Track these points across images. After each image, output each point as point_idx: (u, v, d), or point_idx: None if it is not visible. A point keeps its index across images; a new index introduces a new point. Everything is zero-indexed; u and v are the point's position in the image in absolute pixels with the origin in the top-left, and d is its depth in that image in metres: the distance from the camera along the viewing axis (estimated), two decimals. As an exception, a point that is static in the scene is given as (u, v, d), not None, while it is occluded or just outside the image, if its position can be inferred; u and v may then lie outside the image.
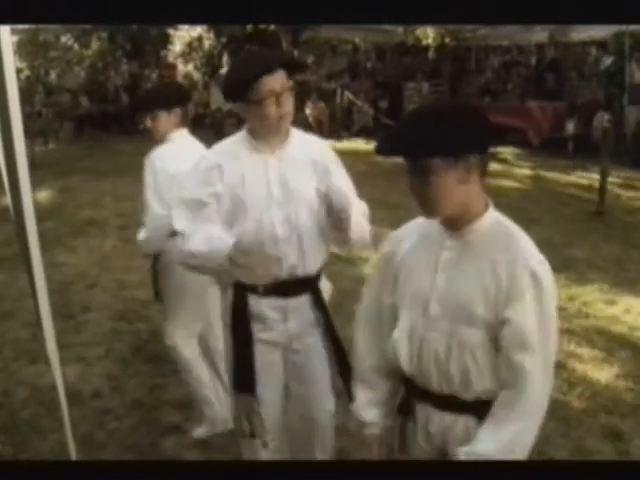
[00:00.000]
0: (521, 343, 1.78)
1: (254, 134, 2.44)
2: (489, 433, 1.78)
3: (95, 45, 16.08)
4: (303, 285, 2.50)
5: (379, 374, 2.02)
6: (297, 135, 2.52)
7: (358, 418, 2.05)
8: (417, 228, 1.97)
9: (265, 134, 2.39)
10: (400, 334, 1.89)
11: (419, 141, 1.69)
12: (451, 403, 1.86)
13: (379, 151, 1.74)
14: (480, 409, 1.82)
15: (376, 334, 2.01)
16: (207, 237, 2.31)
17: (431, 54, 14.87)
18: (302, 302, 2.52)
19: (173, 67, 16.09)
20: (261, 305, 2.46)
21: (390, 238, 2.02)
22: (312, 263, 2.47)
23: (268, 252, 2.22)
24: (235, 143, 2.53)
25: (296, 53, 15.40)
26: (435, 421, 1.90)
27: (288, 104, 2.33)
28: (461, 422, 1.87)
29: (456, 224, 1.83)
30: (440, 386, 1.85)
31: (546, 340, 1.88)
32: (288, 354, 2.58)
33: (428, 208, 1.82)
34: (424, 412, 1.92)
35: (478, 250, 1.82)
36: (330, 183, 2.37)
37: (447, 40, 14.40)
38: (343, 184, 2.50)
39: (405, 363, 1.89)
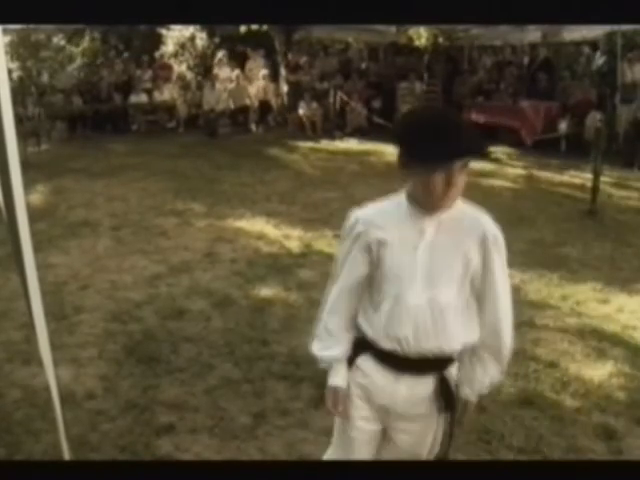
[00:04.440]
0: (496, 294, 2.22)
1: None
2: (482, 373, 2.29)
3: (88, 45, 16.02)
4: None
5: (344, 328, 2.33)
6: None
7: (321, 356, 2.35)
8: (383, 211, 2.25)
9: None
10: (387, 305, 2.19)
11: (467, 144, 2.02)
12: (412, 365, 2.21)
13: (454, 155, 1.99)
14: (440, 366, 2.23)
15: (348, 298, 2.30)
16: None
17: (424, 54, 14.88)
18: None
19: (169, 67, 16.06)
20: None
21: (359, 219, 2.25)
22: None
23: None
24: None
25: (289, 55, 15.42)
26: (387, 381, 2.25)
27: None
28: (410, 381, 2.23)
29: (440, 209, 2.12)
30: (409, 348, 2.18)
31: (507, 287, 2.28)
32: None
33: (445, 202, 2.09)
34: (372, 371, 2.28)
35: (452, 227, 2.15)
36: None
37: (440, 40, 14.41)
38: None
39: (388, 328, 2.19)
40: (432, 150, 1.97)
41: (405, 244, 2.16)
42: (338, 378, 2.32)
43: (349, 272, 2.27)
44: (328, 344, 2.32)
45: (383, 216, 2.22)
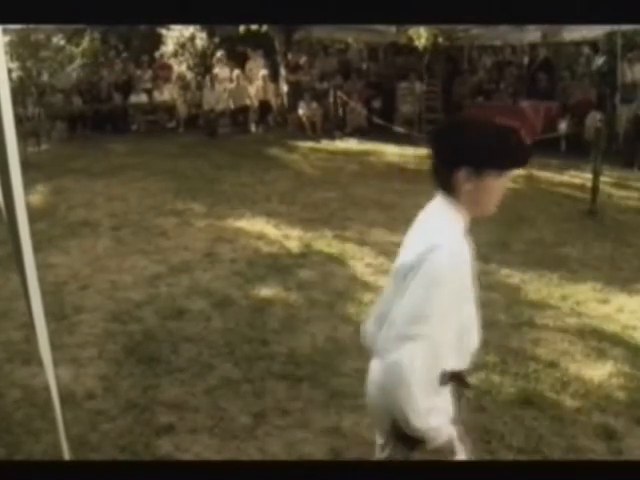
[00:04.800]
0: None
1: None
2: None
3: (87, 45, 16.01)
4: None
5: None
6: None
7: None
8: (459, 237, 2.07)
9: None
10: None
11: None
12: None
13: (522, 163, 2.10)
14: None
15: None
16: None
17: (424, 54, 14.86)
18: None
19: (169, 67, 16.06)
20: None
21: (458, 254, 2.03)
22: None
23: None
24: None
25: (289, 55, 15.41)
26: None
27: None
28: None
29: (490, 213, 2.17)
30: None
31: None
32: None
33: (496, 205, 2.12)
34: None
35: None
36: None
37: (440, 40, 14.39)
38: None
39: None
40: (509, 156, 2.04)
41: None
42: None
43: None
44: None
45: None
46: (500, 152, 2.03)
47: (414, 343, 1.94)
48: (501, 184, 2.06)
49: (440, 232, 2.03)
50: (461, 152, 2.02)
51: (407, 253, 2.07)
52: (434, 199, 2.13)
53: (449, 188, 2.04)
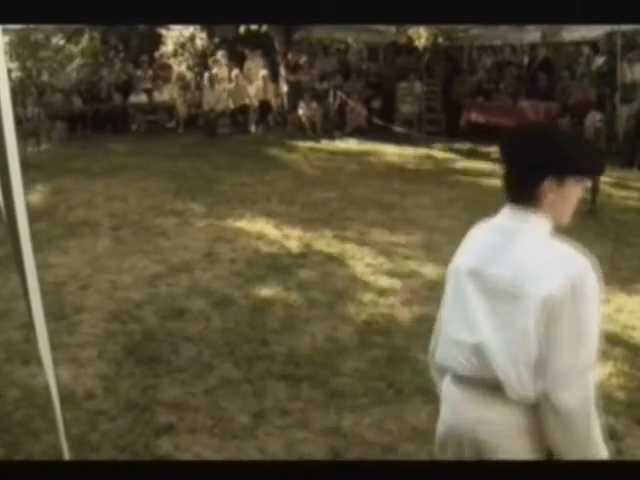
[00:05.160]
0: None
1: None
2: None
3: (87, 45, 16.01)
4: None
5: None
6: None
7: None
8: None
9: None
10: None
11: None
12: None
13: (601, 171, 2.21)
14: None
15: None
16: None
17: (424, 54, 14.86)
18: None
19: (169, 67, 16.06)
20: None
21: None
22: None
23: None
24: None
25: (289, 55, 15.41)
26: None
27: None
28: None
29: None
30: None
31: None
32: None
33: (572, 215, 2.10)
34: None
35: None
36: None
37: (440, 40, 14.39)
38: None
39: None
40: (591, 164, 2.04)
41: None
42: None
43: None
44: None
45: None
46: (583, 160, 1.99)
47: (592, 371, 1.90)
48: (579, 192, 2.05)
49: (564, 250, 2.00)
50: (547, 162, 1.95)
51: (537, 282, 1.90)
52: (506, 212, 2.05)
53: (530, 198, 1.97)
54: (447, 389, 2.11)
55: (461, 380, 2.04)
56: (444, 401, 2.13)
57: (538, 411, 1.93)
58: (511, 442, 1.98)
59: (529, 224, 1.99)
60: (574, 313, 1.87)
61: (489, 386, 1.96)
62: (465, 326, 2.02)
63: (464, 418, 2.03)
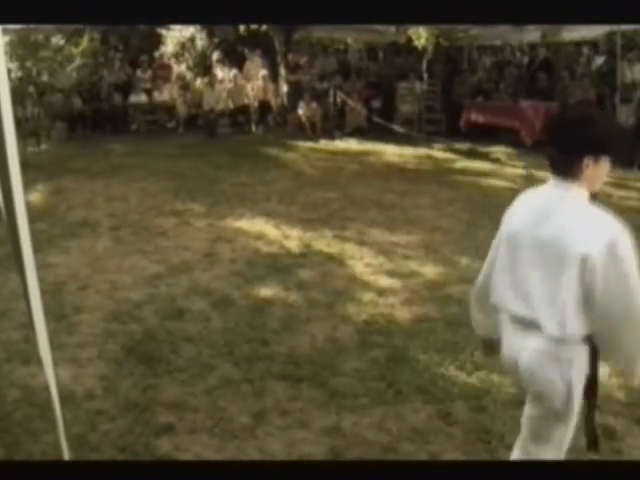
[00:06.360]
0: None
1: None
2: None
3: (87, 45, 16.01)
4: None
5: None
6: None
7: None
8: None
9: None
10: None
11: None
12: None
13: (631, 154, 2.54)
14: None
15: None
16: None
17: (424, 54, 14.86)
18: None
19: (168, 67, 16.07)
20: None
21: None
22: None
23: None
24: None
25: (289, 55, 15.41)
26: None
27: None
28: None
29: None
30: None
31: None
32: None
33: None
34: None
35: None
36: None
37: (440, 40, 14.40)
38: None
39: None
40: (622, 148, 2.59)
41: None
42: None
43: None
44: None
45: None
46: (616, 144, 2.43)
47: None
48: (608, 167, 2.45)
49: (600, 215, 2.35)
50: (587, 144, 2.36)
51: (579, 243, 2.28)
52: (551, 183, 2.45)
53: (571, 172, 2.37)
54: (504, 324, 2.58)
55: (511, 319, 2.52)
56: (502, 333, 2.62)
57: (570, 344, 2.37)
58: (544, 368, 2.41)
59: (571, 193, 2.39)
60: (612, 270, 2.26)
61: (531, 324, 2.41)
62: (515, 278, 2.47)
63: (511, 347, 2.53)
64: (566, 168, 2.38)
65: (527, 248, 2.43)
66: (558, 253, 2.32)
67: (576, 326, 2.35)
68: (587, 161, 2.36)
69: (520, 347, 2.48)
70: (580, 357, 2.40)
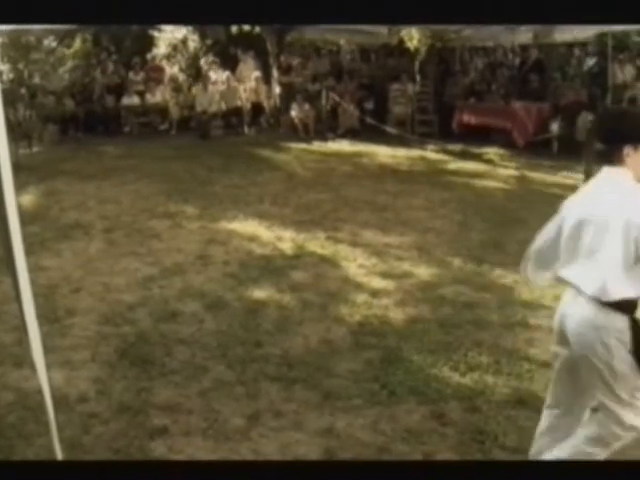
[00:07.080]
0: None
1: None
2: None
3: (79, 47, 15.96)
4: None
5: None
6: None
7: None
8: None
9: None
10: None
11: None
12: None
13: None
14: None
15: None
16: None
17: (416, 55, 14.88)
18: None
19: (161, 69, 16.04)
20: None
21: None
22: None
23: None
24: None
25: (282, 56, 15.41)
26: None
27: None
28: None
29: None
30: None
31: None
32: None
33: None
34: None
35: None
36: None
37: (432, 41, 14.42)
38: None
39: None
40: None
41: None
42: None
43: None
44: None
45: None
46: None
47: None
48: None
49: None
50: (625, 135, 2.79)
51: (624, 215, 2.66)
52: (604, 170, 2.84)
53: (617, 160, 2.78)
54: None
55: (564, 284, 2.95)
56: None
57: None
58: (585, 332, 2.76)
59: (619, 177, 2.79)
60: None
61: (579, 290, 2.80)
62: (575, 253, 2.85)
63: (559, 313, 2.95)
64: (611, 157, 2.80)
65: (583, 225, 2.79)
66: (610, 228, 2.68)
67: (617, 292, 2.68)
68: (627, 150, 2.76)
69: (563, 312, 2.90)
70: (619, 325, 2.71)
